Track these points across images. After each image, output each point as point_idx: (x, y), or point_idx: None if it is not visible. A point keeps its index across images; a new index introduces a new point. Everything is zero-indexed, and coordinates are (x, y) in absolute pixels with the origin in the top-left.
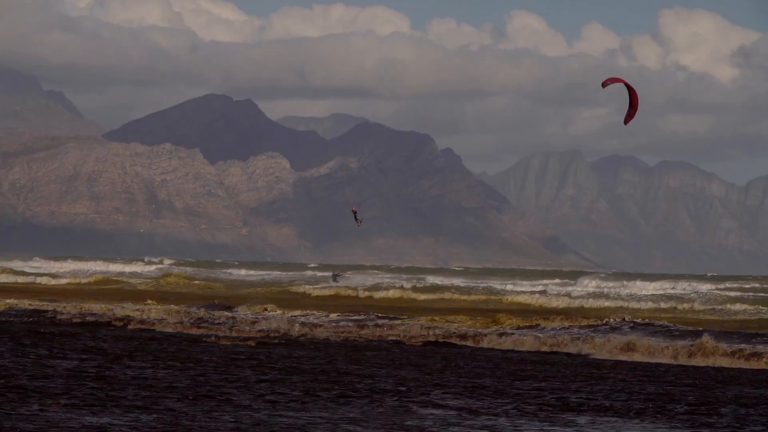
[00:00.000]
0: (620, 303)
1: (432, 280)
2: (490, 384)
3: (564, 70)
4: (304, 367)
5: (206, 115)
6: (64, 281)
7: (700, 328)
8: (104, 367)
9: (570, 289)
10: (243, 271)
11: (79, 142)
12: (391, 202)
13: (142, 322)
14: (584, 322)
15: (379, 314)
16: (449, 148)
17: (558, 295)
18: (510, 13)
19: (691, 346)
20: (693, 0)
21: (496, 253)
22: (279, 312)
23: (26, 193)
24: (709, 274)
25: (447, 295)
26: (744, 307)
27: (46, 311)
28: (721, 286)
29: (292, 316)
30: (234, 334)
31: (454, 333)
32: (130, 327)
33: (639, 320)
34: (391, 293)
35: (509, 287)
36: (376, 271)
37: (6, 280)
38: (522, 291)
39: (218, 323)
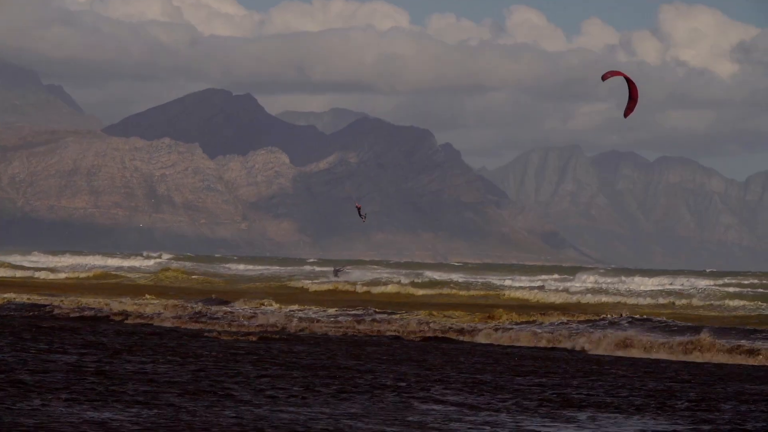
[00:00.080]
0: (619, 299)
1: (430, 275)
2: (490, 380)
3: (563, 65)
4: (304, 363)
5: (206, 109)
6: (62, 276)
7: (698, 324)
8: (104, 361)
9: (568, 284)
10: (241, 266)
11: (78, 137)
12: (390, 197)
13: (140, 316)
14: (582, 318)
15: (377, 309)
16: (449, 143)
17: (556, 290)
18: (509, 8)
19: (689, 342)
20: None
21: (495, 248)
22: (276, 307)
23: (25, 187)
24: (708, 270)
25: (445, 291)
26: (743, 303)
27: (45, 306)
28: (720, 281)
29: (290, 311)
30: (233, 329)
31: (451, 328)
32: (128, 321)
33: (637, 316)
34: (390, 288)
35: (508, 282)
36: (375, 266)
37: (4, 275)
38: (521, 286)
39: (216, 318)
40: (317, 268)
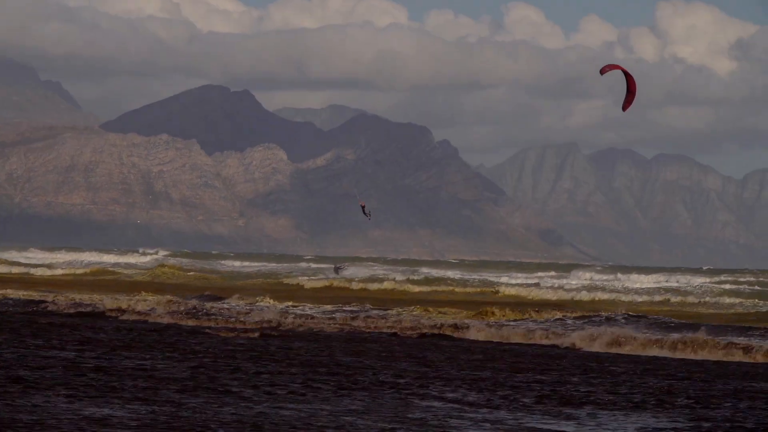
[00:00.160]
0: (615, 296)
1: (427, 272)
2: (489, 377)
3: (562, 62)
4: (302, 359)
5: (203, 106)
6: (59, 272)
7: (694, 322)
8: (103, 358)
9: (564, 281)
10: (237, 263)
11: (76, 133)
12: (387, 193)
13: (135, 313)
14: (577, 314)
15: (373, 306)
16: (446, 140)
17: (552, 287)
18: (508, 5)
19: (685, 339)
20: None
21: (492, 245)
22: (271, 303)
23: (23, 183)
24: (705, 268)
25: (441, 288)
26: (739, 300)
27: (41, 302)
28: (717, 279)
29: (285, 307)
30: (229, 326)
31: (443, 324)
32: (124, 318)
33: (632, 313)
34: (386, 285)
35: (504, 279)
36: (372, 263)
37: (1, 271)
38: (517, 283)
39: (211, 314)
40: (313, 265)
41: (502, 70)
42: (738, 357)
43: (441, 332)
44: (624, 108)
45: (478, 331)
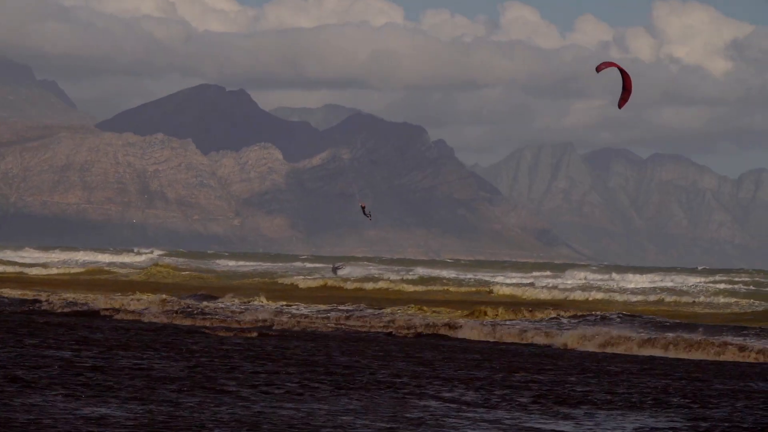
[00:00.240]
0: (609, 295)
1: (422, 271)
2: (486, 376)
3: (557, 61)
4: (299, 359)
5: (199, 105)
6: (54, 271)
7: (689, 321)
8: (99, 357)
9: (558, 281)
10: (232, 262)
11: (71, 132)
12: (383, 193)
13: (130, 312)
14: (571, 314)
15: (368, 306)
16: (442, 140)
17: (546, 287)
18: (503, 5)
19: (678, 338)
20: None
21: (487, 245)
22: (266, 302)
23: (18, 182)
24: (700, 267)
25: (436, 287)
26: (734, 300)
27: (37, 301)
28: (712, 279)
29: (279, 306)
30: (223, 325)
31: (438, 324)
32: (118, 317)
33: (626, 313)
34: (381, 285)
35: (499, 279)
36: (367, 263)
37: None
38: (511, 283)
39: (205, 314)
40: (308, 265)
41: (497, 69)
42: (734, 357)
43: (436, 332)
44: (620, 105)
45: (471, 330)
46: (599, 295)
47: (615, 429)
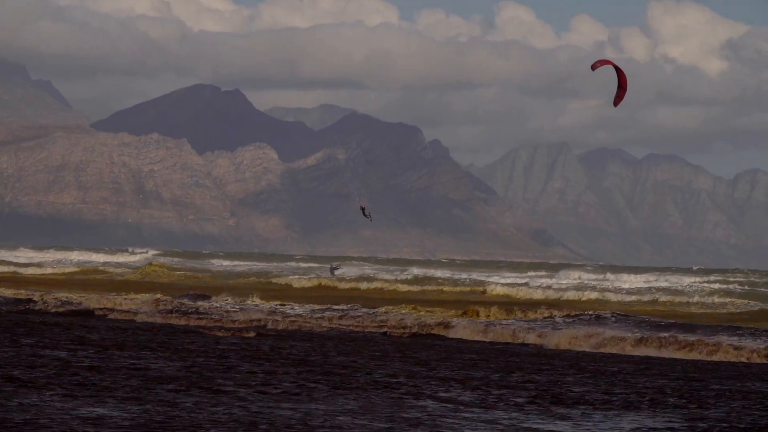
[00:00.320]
0: (603, 295)
1: (417, 271)
2: (482, 376)
3: (552, 61)
4: (295, 359)
5: (194, 105)
6: (48, 271)
7: (683, 321)
8: (95, 357)
9: (553, 281)
10: (226, 262)
11: (66, 132)
12: (378, 193)
13: (125, 312)
14: (564, 314)
15: (363, 306)
16: (437, 140)
17: (540, 287)
18: (499, 5)
19: (673, 338)
20: None
21: (483, 244)
22: (259, 302)
23: (13, 182)
24: (695, 268)
25: (431, 287)
26: (729, 300)
27: (31, 301)
28: (707, 279)
29: (273, 306)
30: (217, 324)
31: (431, 324)
32: (113, 317)
33: (620, 312)
34: (375, 285)
35: (494, 279)
36: (362, 263)
37: None
38: (506, 283)
39: (200, 313)
40: (303, 265)
41: (493, 69)
42: (729, 357)
43: (430, 332)
44: (615, 103)
45: (464, 329)
46: (593, 295)
47: (612, 429)
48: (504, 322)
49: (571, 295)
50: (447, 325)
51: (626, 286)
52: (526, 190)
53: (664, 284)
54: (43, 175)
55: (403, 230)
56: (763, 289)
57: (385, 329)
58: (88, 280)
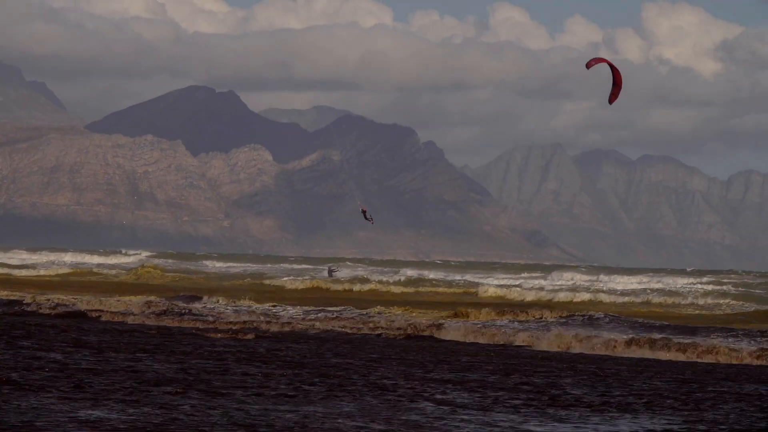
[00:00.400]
0: (596, 296)
1: (410, 273)
2: (480, 378)
3: (547, 63)
4: (291, 360)
5: (189, 106)
6: (42, 272)
7: (676, 323)
8: (92, 359)
9: (546, 282)
10: (220, 264)
11: (61, 133)
12: (372, 194)
13: (119, 314)
14: (556, 315)
15: (356, 307)
16: (431, 141)
17: (533, 288)
18: (493, 6)
19: (667, 340)
20: None
21: (478, 246)
22: (253, 304)
23: (8, 184)
24: (689, 269)
25: (424, 288)
26: (724, 301)
27: (24, 303)
28: (701, 280)
29: (267, 308)
30: (211, 326)
31: (423, 325)
32: (107, 319)
33: (613, 314)
34: (369, 286)
35: (488, 280)
36: (357, 264)
37: None
38: (499, 284)
39: (194, 315)
40: (297, 266)
41: (487, 70)
42: (725, 358)
43: (422, 333)
44: (610, 101)
45: (455, 331)
46: (586, 296)
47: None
48: (495, 323)
49: (563, 296)
50: (439, 327)
51: (620, 287)
52: (520, 192)
53: (657, 285)
54: (38, 177)
55: (398, 232)
56: (757, 291)
57: (379, 331)
58: (81, 281)
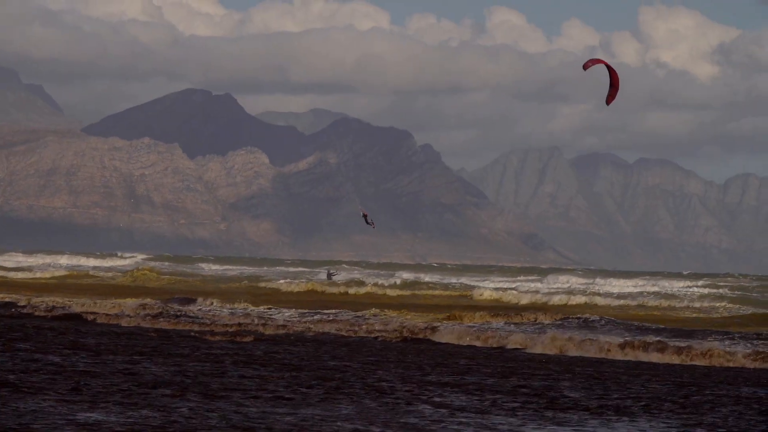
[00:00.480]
0: (591, 299)
1: (406, 276)
2: (477, 381)
3: (544, 66)
4: (288, 363)
5: (185, 109)
6: (38, 275)
7: (672, 326)
8: (89, 362)
9: (542, 285)
10: (216, 266)
11: (58, 136)
12: (369, 197)
13: (114, 316)
14: (550, 319)
15: (352, 310)
16: (428, 144)
17: (529, 291)
18: (490, 9)
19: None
20: None
21: (474, 249)
22: (249, 306)
23: (5, 186)
24: (686, 272)
25: (420, 291)
26: (721, 304)
27: (20, 306)
28: (697, 283)
29: (263, 310)
30: (207, 329)
31: (420, 328)
32: (102, 321)
33: (608, 317)
34: (365, 289)
35: (485, 283)
36: (353, 267)
37: None
38: (496, 288)
39: (189, 317)
40: (292, 269)
41: (484, 73)
42: (721, 361)
43: (417, 336)
44: (608, 102)
45: (449, 334)
46: (582, 299)
47: None
48: (490, 326)
49: (559, 299)
50: (434, 330)
51: (616, 290)
52: (517, 195)
53: (654, 289)
54: (35, 180)
55: (395, 235)
56: (754, 294)
57: (375, 334)
58: (76, 284)
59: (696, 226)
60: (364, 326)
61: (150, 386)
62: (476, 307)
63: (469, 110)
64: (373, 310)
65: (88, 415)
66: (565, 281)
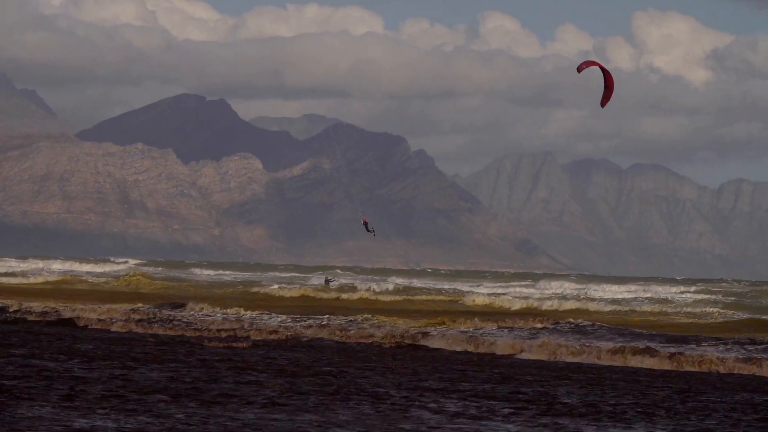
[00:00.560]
0: (584, 305)
1: (399, 281)
2: (472, 387)
3: (537, 71)
4: (284, 369)
5: (179, 115)
6: (31, 280)
7: (665, 332)
8: (84, 368)
9: (534, 291)
10: (209, 272)
11: (51, 142)
12: (363, 203)
13: (107, 321)
14: (541, 324)
15: (344, 315)
16: (422, 150)
17: (521, 297)
18: (483, 14)
19: (655, 349)
20: (666, 2)
21: (468, 255)
22: (242, 312)
23: None
24: (679, 277)
25: (413, 297)
26: (714, 309)
27: (11, 311)
28: (690, 289)
29: (254, 315)
30: (199, 335)
31: (413, 333)
32: (95, 327)
33: (604, 323)
34: (358, 295)
35: (477, 288)
36: (347, 272)
37: None
38: (487, 293)
39: (183, 323)
40: (286, 274)
41: (477, 78)
42: (715, 367)
43: (408, 342)
44: (602, 104)
45: (440, 339)
46: (575, 305)
47: None
48: (481, 331)
49: (551, 304)
50: (425, 335)
51: (609, 296)
52: (510, 200)
53: (647, 294)
54: (28, 185)
55: (388, 240)
56: (747, 299)
57: (369, 339)
58: (69, 290)
59: (690, 232)
60: (357, 331)
61: (146, 392)
62: (468, 312)
63: (462, 115)
64: (365, 316)
65: (85, 421)
66: (558, 287)
